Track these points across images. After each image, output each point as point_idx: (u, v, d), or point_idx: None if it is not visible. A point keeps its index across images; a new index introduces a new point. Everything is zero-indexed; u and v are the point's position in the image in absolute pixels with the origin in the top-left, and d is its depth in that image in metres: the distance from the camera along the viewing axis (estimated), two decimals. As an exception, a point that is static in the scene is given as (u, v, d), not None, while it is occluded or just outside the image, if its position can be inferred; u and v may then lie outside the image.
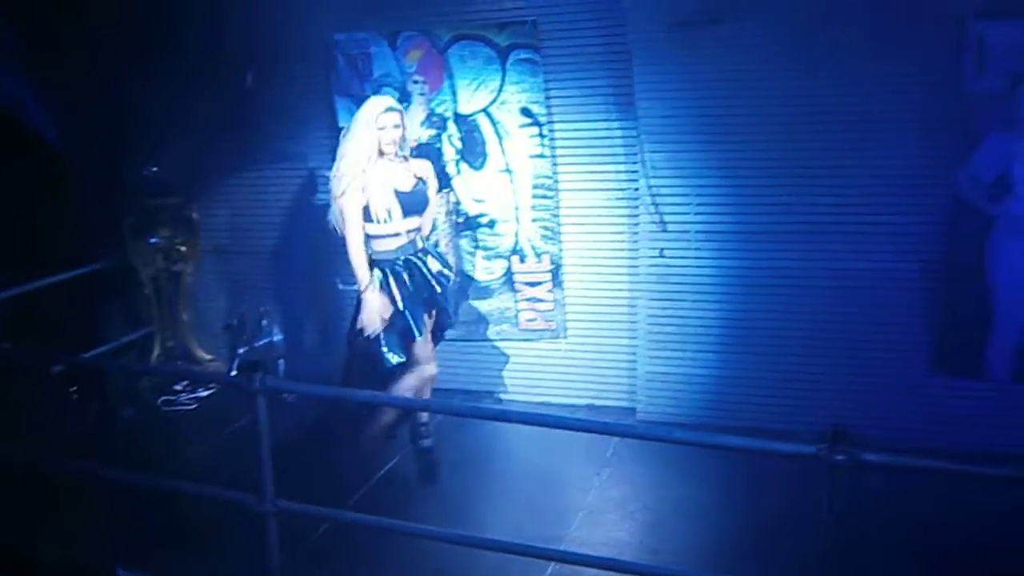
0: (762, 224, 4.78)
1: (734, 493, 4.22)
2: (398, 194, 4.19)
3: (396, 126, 4.17)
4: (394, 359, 4.21)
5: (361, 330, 4.21)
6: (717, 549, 3.85)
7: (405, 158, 4.30)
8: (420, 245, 4.33)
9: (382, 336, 4.20)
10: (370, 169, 4.15)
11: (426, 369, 4.36)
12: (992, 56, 4.17)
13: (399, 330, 4.23)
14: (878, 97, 4.42)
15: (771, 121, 4.62)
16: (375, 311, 4.16)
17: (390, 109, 4.17)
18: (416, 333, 4.22)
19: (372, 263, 4.21)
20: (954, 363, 4.61)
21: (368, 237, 4.19)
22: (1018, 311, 4.46)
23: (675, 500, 4.28)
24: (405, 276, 4.22)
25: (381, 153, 4.17)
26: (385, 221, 4.17)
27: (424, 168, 4.38)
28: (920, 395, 4.67)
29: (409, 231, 4.26)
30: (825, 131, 4.54)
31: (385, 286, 4.19)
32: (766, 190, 4.72)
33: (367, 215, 4.17)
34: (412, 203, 4.25)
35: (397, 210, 4.19)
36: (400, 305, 4.18)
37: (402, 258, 4.24)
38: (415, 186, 4.28)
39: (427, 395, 4.44)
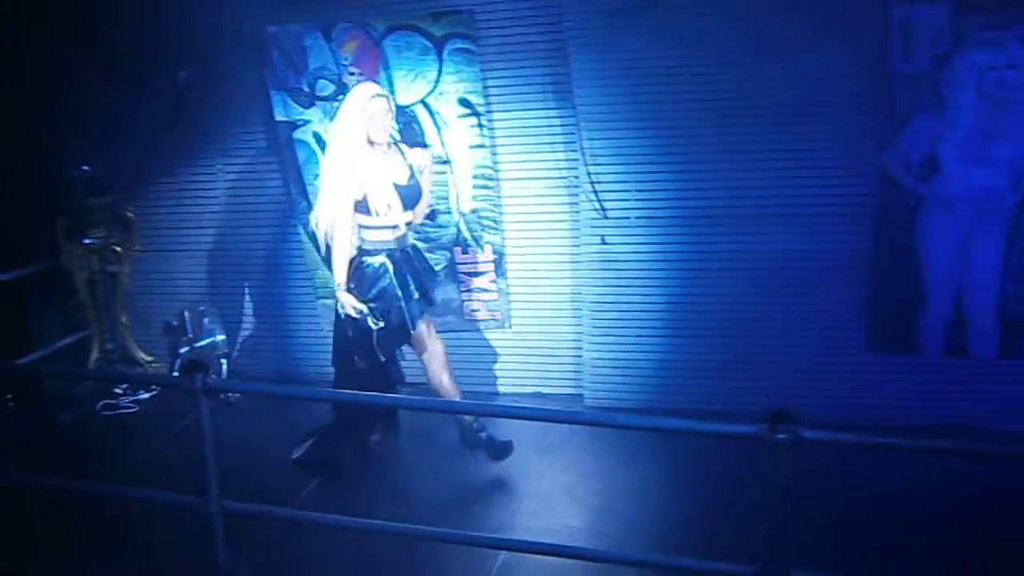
0: (701, 209, 4.84)
1: (681, 475, 4.28)
2: (397, 187, 4.15)
3: (385, 113, 4.10)
4: (374, 324, 4.17)
5: (348, 341, 4.21)
6: (666, 531, 3.90)
7: (398, 146, 4.27)
8: (411, 239, 4.35)
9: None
10: (362, 160, 4.08)
11: (432, 349, 4.38)
12: (917, 39, 4.27)
13: (396, 325, 4.20)
14: (809, 81, 4.49)
15: (707, 107, 4.67)
16: (352, 307, 4.16)
17: (377, 96, 4.10)
18: (411, 326, 4.22)
19: (367, 252, 4.17)
20: (888, 340, 4.73)
21: (362, 228, 4.16)
22: (947, 288, 4.59)
23: (623, 484, 4.34)
24: (403, 267, 4.21)
25: (371, 143, 4.10)
26: (384, 215, 4.13)
27: (421, 157, 4.32)
28: (857, 373, 4.79)
29: (406, 223, 4.25)
30: (759, 116, 4.61)
31: (385, 275, 4.16)
32: (704, 175, 4.78)
33: (364, 208, 4.12)
34: (410, 196, 4.22)
35: (397, 203, 4.15)
36: (399, 296, 4.16)
37: (399, 249, 4.22)
38: (410, 178, 4.23)
39: (444, 374, 4.40)
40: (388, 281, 4.18)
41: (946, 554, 3.61)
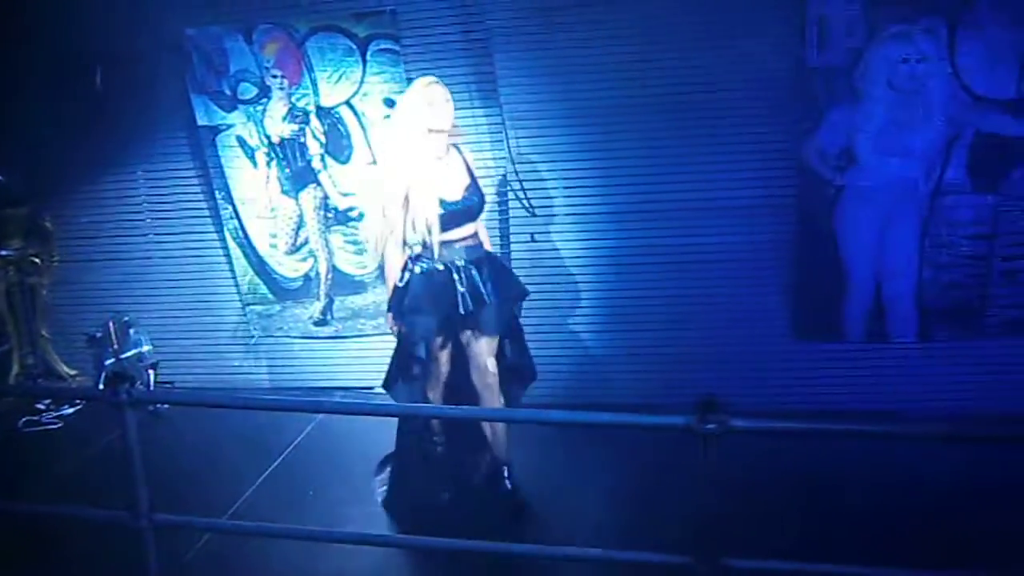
0: (628, 204, 4.90)
1: (615, 468, 4.32)
2: (445, 204, 3.74)
3: (446, 101, 3.78)
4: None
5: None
6: (599, 524, 3.93)
7: (459, 149, 3.95)
8: (475, 255, 3.88)
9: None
10: (421, 165, 3.73)
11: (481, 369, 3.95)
12: (832, 33, 4.39)
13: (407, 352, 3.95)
14: (731, 77, 4.59)
15: (631, 103, 4.73)
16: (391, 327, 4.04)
17: (435, 83, 3.80)
18: (420, 352, 3.88)
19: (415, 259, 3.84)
20: (812, 328, 4.85)
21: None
22: (867, 276, 4.72)
23: (557, 479, 4.36)
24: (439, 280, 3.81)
25: (432, 132, 3.75)
26: (421, 239, 3.75)
27: (470, 156, 4.01)
28: (784, 361, 4.90)
29: (463, 237, 3.86)
30: (683, 111, 4.68)
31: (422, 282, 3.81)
32: (630, 171, 4.84)
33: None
34: (464, 211, 3.83)
35: (436, 225, 3.72)
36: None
37: (445, 262, 3.81)
38: (468, 188, 3.85)
39: (489, 397, 3.99)
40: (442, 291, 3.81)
41: (873, 535, 3.72)
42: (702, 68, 4.60)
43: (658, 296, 4.87)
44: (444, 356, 3.99)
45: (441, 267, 3.81)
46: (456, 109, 4.90)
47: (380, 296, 5.27)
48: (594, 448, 4.38)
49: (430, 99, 3.75)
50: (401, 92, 4.88)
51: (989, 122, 4.39)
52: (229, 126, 5.15)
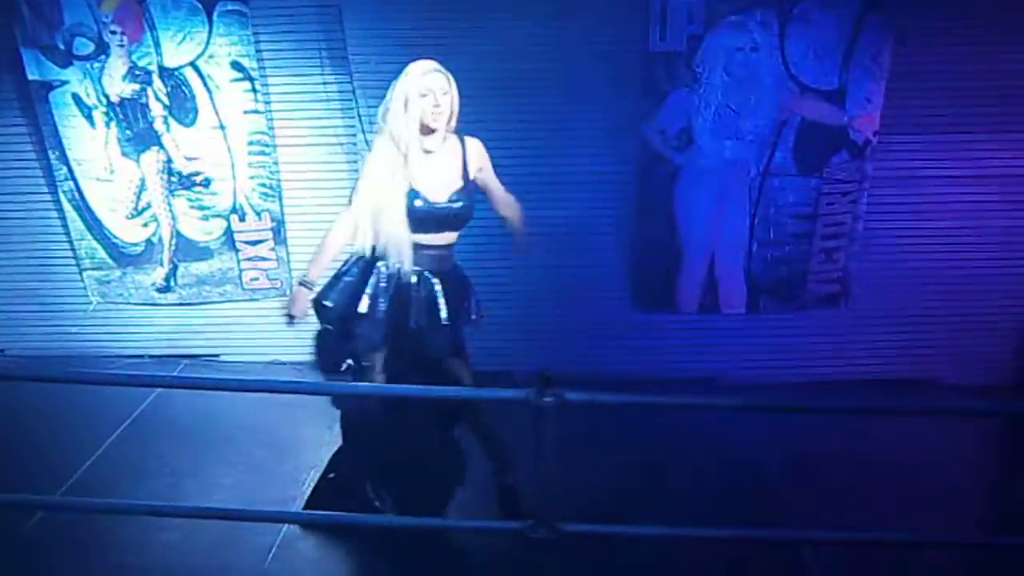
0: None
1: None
2: (423, 204, 3.41)
3: (445, 93, 3.37)
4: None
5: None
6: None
7: (460, 141, 3.53)
8: (443, 267, 3.55)
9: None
10: (411, 157, 3.38)
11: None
12: (674, 20, 4.56)
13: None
14: (578, 56, 4.72)
15: (479, 76, 4.72)
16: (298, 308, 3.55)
17: (436, 71, 3.39)
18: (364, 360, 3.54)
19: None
20: (650, 299, 5.10)
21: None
22: (702, 250, 4.99)
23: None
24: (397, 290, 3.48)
25: (425, 132, 3.40)
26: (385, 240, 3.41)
27: (475, 154, 3.54)
28: (623, 331, 5.14)
29: (438, 245, 3.52)
30: (529, 87, 4.79)
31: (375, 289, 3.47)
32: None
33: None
34: (445, 218, 3.46)
35: (405, 224, 3.40)
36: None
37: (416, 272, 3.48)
38: (457, 193, 3.45)
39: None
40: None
41: (702, 498, 3.98)
42: (550, 46, 4.71)
43: (503, 267, 4.97)
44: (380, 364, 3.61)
45: (403, 271, 3.46)
46: (306, 75, 4.94)
47: (226, 263, 5.19)
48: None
49: (425, 88, 3.35)
50: (249, 56, 4.82)
51: (814, 110, 4.69)
52: (63, 83, 4.89)
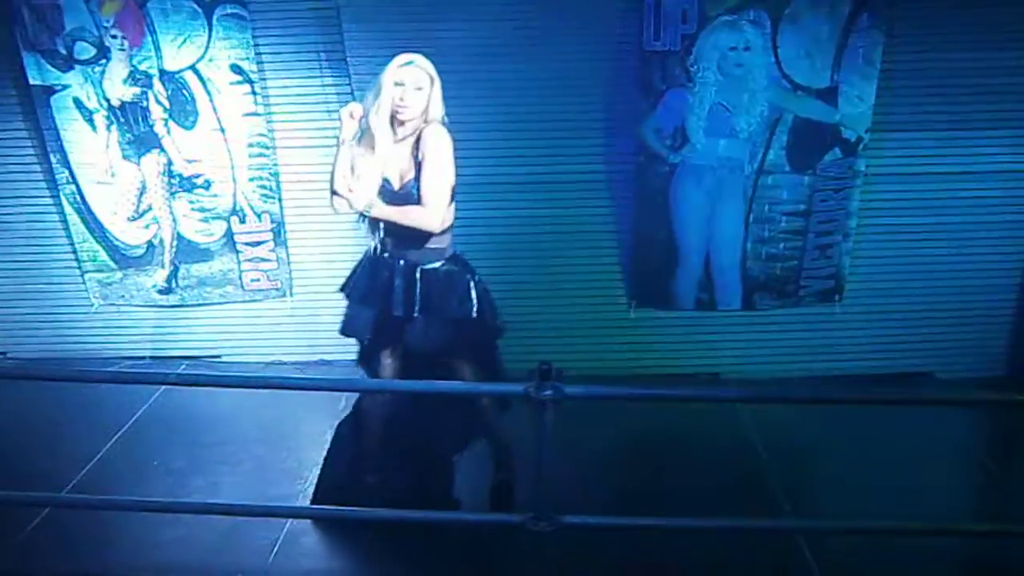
0: (471, 177, 4.95)
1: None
2: (384, 184, 3.51)
3: (419, 88, 3.42)
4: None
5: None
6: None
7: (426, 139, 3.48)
8: (428, 261, 3.61)
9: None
10: (379, 143, 3.44)
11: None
12: (668, 20, 4.62)
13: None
14: (574, 56, 4.77)
15: (477, 77, 4.83)
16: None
17: (414, 65, 3.42)
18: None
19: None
20: (647, 296, 5.16)
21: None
22: (697, 248, 5.04)
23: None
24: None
25: (396, 125, 3.46)
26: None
27: (425, 142, 3.46)
28: (621, 328, 5.18)
29: (411, 236, 3.56)
30: (527, 87, 4.84)
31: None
32: (476, 144, 4.91)
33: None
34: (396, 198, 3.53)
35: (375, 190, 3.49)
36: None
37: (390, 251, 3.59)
38: (408, 181, 3.51)
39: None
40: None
41: (699, 490, 4.03)
42: (547, 46, 4.76)
43: (502, 266, 5.01)
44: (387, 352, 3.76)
45: (384, 254, 3.62)
46: (305, 77, 4.99)
47: (227, 265, 5.23)
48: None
49: (399, 79, 3.41)
50: (249, 59, 4.88)
51: (806, 109, 4.75)
52: (65, 87, 4.94)
